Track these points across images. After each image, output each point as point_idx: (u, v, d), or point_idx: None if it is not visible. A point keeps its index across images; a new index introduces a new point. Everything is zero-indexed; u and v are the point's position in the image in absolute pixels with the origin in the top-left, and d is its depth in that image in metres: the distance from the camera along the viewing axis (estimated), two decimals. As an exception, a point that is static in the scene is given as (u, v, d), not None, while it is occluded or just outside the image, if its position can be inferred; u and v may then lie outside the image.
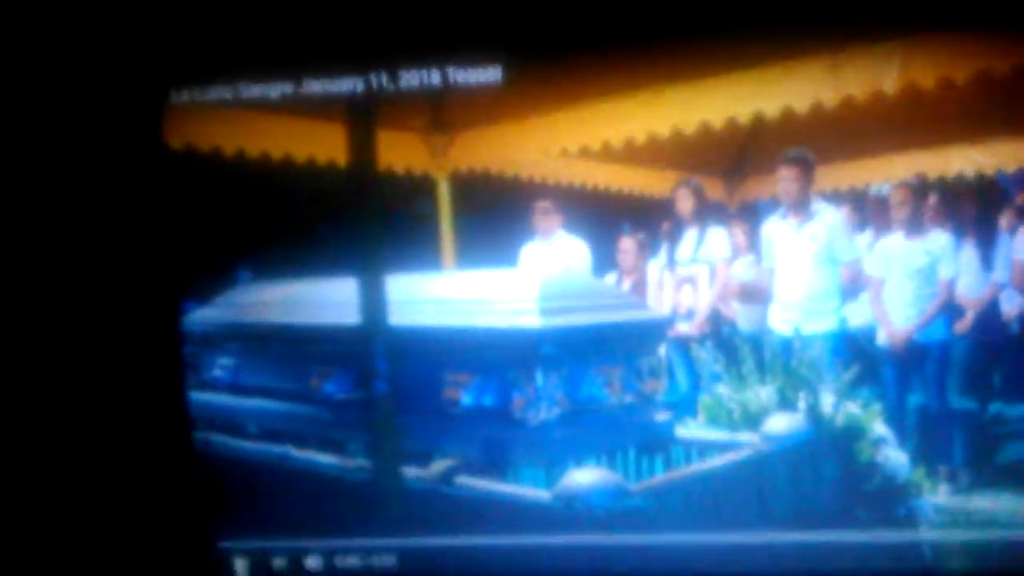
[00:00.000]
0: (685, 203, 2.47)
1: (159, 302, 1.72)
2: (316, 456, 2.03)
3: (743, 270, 2.54)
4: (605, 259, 2.61)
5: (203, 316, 2.32)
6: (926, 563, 1.60)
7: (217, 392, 2.34)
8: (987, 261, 2.29)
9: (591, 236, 2.57)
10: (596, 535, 1.71)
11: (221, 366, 2.40)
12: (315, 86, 1.65)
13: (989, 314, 2.30)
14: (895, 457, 1.95)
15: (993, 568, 1.49)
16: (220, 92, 1.66)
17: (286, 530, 1.69)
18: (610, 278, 2.65)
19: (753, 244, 2.48)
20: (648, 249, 2.60)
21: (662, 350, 2.31)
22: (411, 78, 1.65)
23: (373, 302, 1.81)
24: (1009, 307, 2.37)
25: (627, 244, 2.63)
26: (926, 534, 1.66)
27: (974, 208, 2.33)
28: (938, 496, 2.05)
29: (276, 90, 1.63)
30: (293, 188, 2.15)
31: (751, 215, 2.60)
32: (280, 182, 2.21)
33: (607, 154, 2.54)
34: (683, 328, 2.44)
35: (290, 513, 1.87)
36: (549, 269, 2.48)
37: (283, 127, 2.22)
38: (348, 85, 1.68)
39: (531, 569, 1.71)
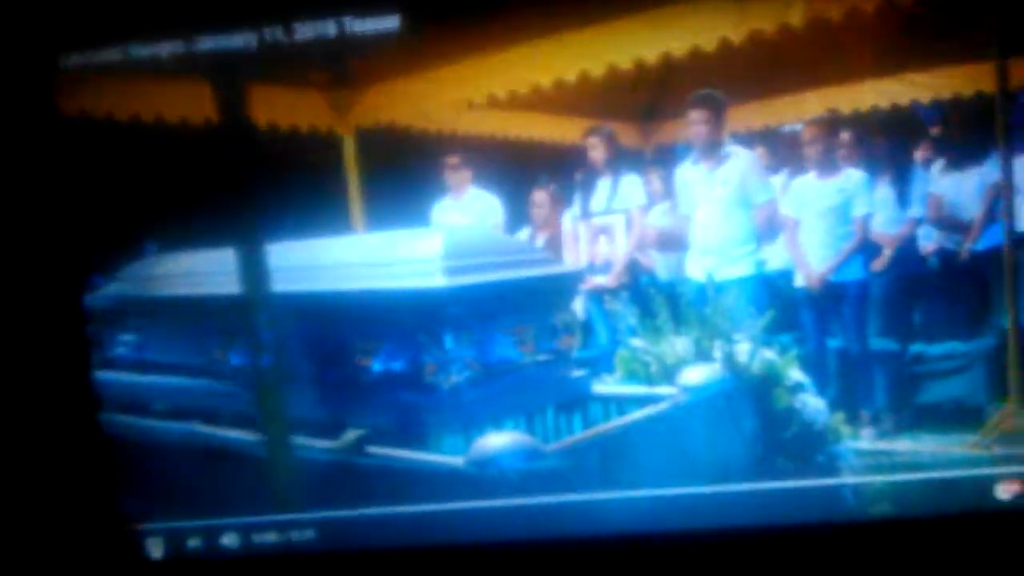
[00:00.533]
0: (597, 151, 2.40)
1: (60, 278, 1.63)
2: (226, 432, 1.98)
3: (660, 218, 2.49)
4: (519, 213, 2.57)
5: (107, 291, 2.23)
6: (849, 509, 1.59)
7: (125, 370, 2.25)
8: (903, 197, 2.27)
9: (504, 190, 2.51)
10: (513, 498, 1.67)
11: (127, 343, 2.31)
12: (207, 43, 1.55)
13: (906, 251, 2.30)
14: (813, 403, 1.92)
15: (917, 511, 1.47)
16: (111, 55, 1.56)
17: (200, 509, 1.63)
18: (525, 233, 2.59)
19: (669, 190, 2.43)
20: (562, 201, 2.53)
21: (579, 304, 2.27)
22: (306, 30, 1.56)
23: (260, 269, 1.73)
24: (926, 243, 2.36)
25: (540, 197, 2.56)
26: (847, 480, 1.63)
27: (888, 143, 2.31)
28: (860, 441, 2.04)
29: (167, 50, 1.53)
30: (191, 153, 2.05)
31: (667, 160, 2.54)
32: (178, 148, 2.11)
33: (516, 103, 2.46)
34: (600, 280, 2.39)
35: (203, 491, 1.82)
36: (458, 226, 2.41)
37: (178, 90, 2.12)
38: (242, 41, 1.59)
39: (451, 536, 1.67)
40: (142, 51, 1.57)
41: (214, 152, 1.84)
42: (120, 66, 1.64)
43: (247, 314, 1.81)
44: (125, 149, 1.89)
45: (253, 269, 1.74)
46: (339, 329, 1.91)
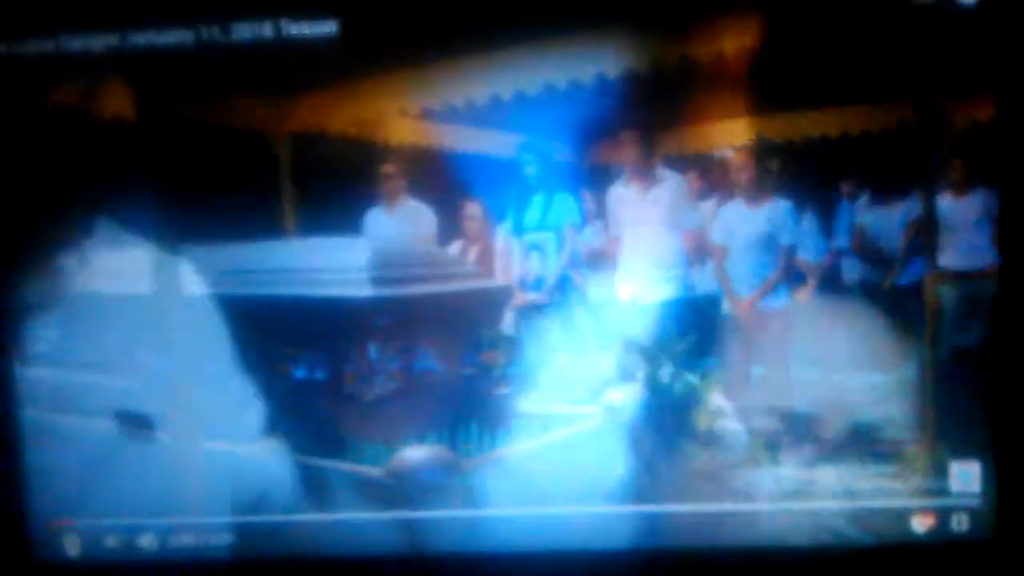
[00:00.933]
0: (531, 167, 2.42)
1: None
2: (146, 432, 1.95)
3: (592, 237, 2.51)
4: (452, 226, 2.55)
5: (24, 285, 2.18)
6: (766, 535, 1.60)
7: (43, 366, 2.20)
8: (828, 228, 2.31)
9: (437, 202, 2.50)
10: (430, 511, 1.66)
11: (44, 338, 2.25)
12: (141, 39, 1.51)
13: (830, 282, 2.34)
14: (733, 428, 1.95)
15: (832, 540, 1.49)
16: (41, 45, 1.51)
17: (118, 508, 1.59)
18: (457, 245, 2.58)
19: (602, 210, 2.45)
20: (495, 216, 2.53)
21: (508, 320, 2.27)
22: (243, 31, 1.54)
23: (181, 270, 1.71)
24: (850, 275, 2.40)
25: (473, 210, 2.56)
26: (763, 506, 1.65)
27: (816, 174, 2.35)
28: (779, 467, 2.06)
29: (100, 43, 1.49)
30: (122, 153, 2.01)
31: (602, 179, 2.56)
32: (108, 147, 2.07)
33: (453, 115, 2.46)
34: (530, 297, 2.39)
35: (121, 491, 1.78)
36: (391, 236, 2.40)
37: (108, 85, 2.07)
38: (177, 37, 1.56)
39: (369, 544, 1.66)
40: (73, 43, 1.53)
41: (142, 152, 1.81)
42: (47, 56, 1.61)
43: (164, 314, 1.79)
44: (54, 145, 1.85)
45: (172, 270, 1.71)
46: (266, 335, 1.90)
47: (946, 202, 1.98)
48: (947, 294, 1.87)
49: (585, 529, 1.65)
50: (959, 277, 1.92)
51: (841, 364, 2.40)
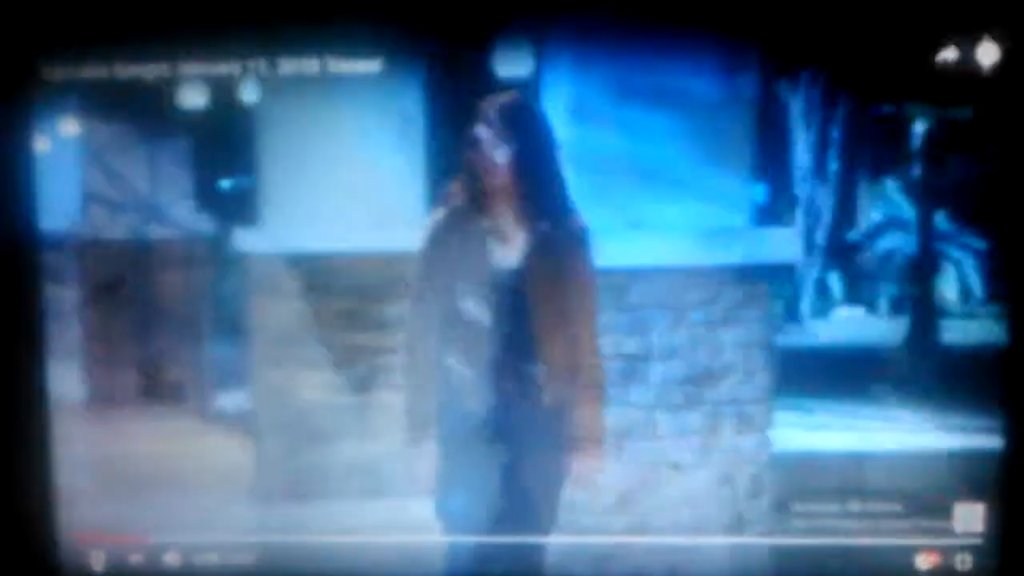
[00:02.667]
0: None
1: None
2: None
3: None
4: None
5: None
6: (765, 571, 1.62)
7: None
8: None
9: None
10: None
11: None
12: (192, 69, 1.56)
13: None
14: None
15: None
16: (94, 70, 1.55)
17: (143, 525, 1.60)
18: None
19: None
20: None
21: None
22: (290, 66, 1.59)
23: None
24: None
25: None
26: (766, 540, 1.67)
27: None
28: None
29: (152, 71, 1.53)
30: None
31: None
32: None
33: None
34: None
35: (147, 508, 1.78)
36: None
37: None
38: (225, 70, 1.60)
39: (399, 570, 1.66)
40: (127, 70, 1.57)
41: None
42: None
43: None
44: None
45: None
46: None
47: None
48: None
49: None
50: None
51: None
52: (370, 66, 1.32)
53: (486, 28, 1.17)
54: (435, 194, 1.19)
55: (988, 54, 1.09)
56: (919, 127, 1.28)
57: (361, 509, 1.42)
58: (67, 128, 1.36)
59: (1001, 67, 1.09)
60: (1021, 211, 1.11)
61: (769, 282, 1.33)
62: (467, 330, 1.14)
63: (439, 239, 1.14)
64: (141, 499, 1.62)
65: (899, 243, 1.47)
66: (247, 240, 1.31)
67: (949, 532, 1.29)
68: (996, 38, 1.08)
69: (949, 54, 1.11)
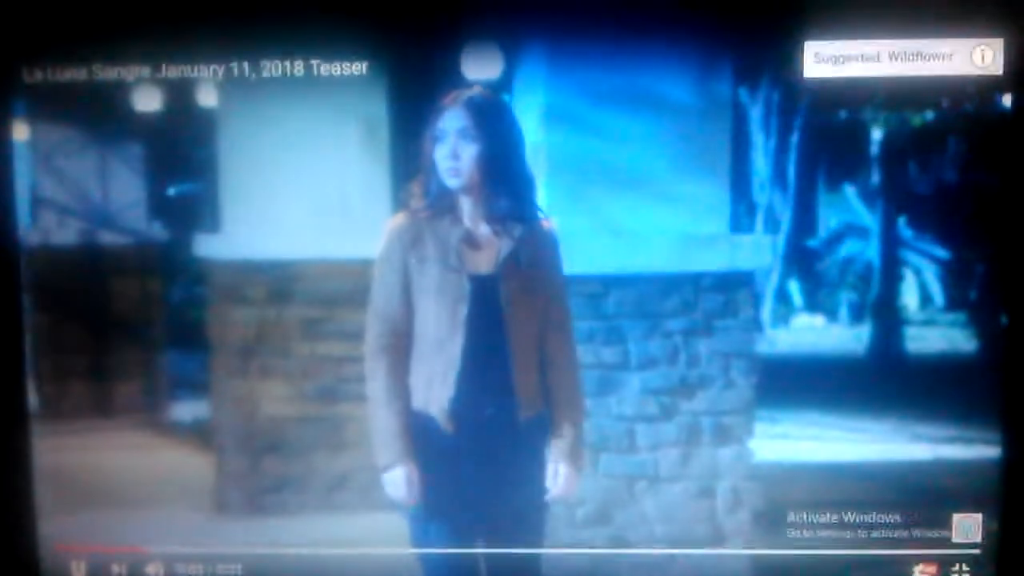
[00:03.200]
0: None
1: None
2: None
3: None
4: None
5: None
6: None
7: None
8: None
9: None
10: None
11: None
12: (173, 71, 1.55)
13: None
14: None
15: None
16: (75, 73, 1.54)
17: (125, 535, 1.58)
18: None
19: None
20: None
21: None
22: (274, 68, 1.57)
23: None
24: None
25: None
26: (767, 551, 1.64)
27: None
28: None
29: (132, 74, 1.52)
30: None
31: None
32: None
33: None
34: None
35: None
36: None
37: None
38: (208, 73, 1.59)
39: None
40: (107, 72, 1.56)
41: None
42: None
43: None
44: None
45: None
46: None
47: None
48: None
49: None
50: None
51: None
52: (336, 69, 1.30)
53: (456, 30, 1.14)
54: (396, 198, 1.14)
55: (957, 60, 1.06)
56: (878, 133, 1.25)
57: (328, 522, 1.39)
58: (18, 132, 1.33)
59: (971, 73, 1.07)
60: (1020, 220, 1.07)
61: (748, 289, 1.30)
62: (432, 346, 1.07)
63: (399, 246, 1.06)
64: (112, 510, 1.59)
65: (858, 250, 1.44)
66: (208, 247, 1.28)
67: (947, 543, 1.27)
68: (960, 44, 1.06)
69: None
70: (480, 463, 1.08)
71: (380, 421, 1.07)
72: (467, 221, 1.06)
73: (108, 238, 1.29)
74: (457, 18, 1.15)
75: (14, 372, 1.46)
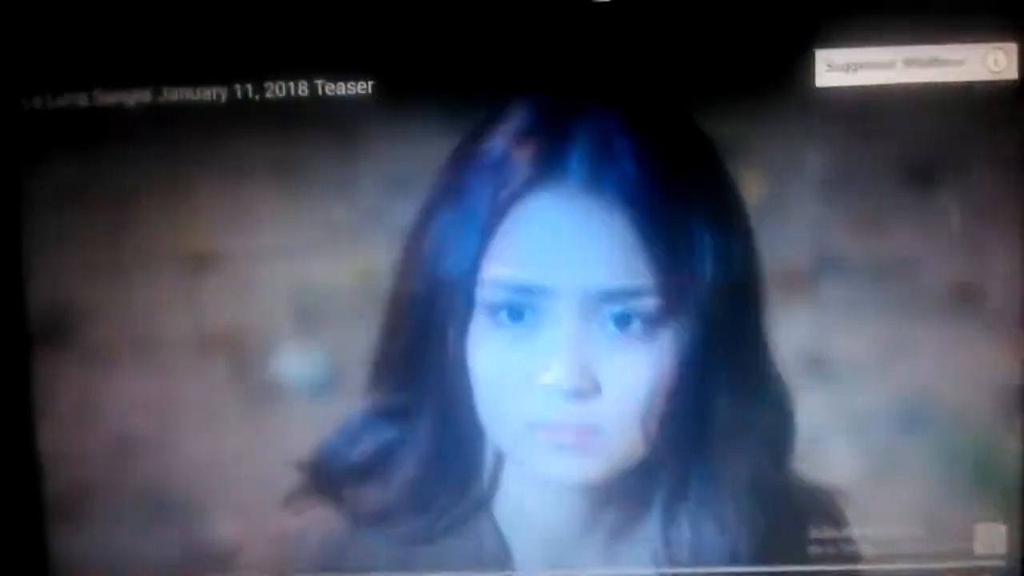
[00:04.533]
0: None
1: None
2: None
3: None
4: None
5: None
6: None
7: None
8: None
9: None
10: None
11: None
12: (175, 94, 1.55)
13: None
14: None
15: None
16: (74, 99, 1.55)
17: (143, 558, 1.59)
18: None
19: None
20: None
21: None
22: (278, 89, 1.57)
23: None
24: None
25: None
26: (790, 568, 1.63)
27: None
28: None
29: (134, 98, 1.52)
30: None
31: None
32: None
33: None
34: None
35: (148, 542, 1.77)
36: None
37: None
38: (211, 95, 1.59)
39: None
40: (107, 97, 1.56)
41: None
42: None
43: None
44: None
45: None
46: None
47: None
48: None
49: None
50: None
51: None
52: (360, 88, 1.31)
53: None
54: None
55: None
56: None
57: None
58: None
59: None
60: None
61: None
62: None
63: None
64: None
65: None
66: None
67: (970, 554, 1.26)
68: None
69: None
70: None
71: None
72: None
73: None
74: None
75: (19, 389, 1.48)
